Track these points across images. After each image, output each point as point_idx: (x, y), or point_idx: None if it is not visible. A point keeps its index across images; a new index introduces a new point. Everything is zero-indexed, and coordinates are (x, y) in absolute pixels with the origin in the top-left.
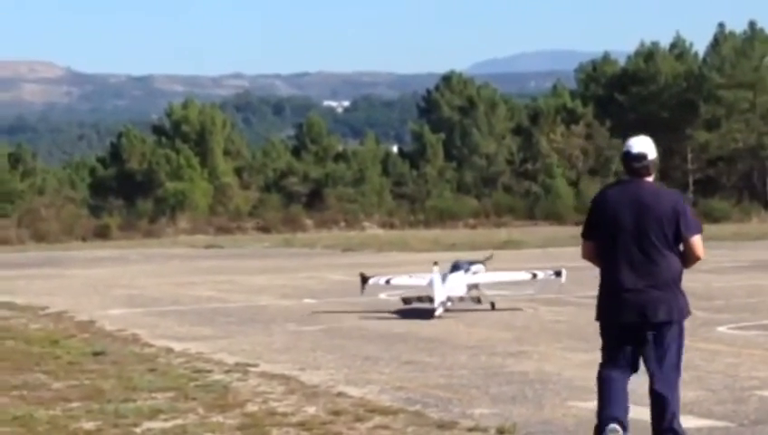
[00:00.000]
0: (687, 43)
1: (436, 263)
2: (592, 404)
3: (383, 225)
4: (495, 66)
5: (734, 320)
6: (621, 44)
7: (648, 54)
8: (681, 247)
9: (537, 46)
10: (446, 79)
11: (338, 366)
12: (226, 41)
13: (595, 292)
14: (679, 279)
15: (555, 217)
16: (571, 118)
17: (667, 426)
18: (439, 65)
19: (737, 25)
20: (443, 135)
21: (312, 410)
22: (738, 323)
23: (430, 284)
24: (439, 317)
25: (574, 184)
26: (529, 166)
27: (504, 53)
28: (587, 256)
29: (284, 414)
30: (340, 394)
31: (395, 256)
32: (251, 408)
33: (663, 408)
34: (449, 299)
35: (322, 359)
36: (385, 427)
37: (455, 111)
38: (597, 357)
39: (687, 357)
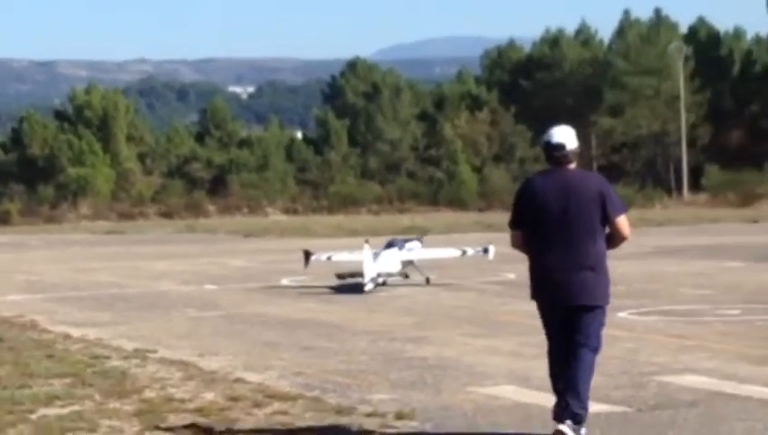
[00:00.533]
0: (593, 30)
1: (367, 241)
2: (491, 390)
3: (286, 211)
4: (401, 52)
5: (634, 305)
6: (527, 31)
7: (553, 41)
8: (607, 230)
9: (443, 32)
10: (351, 65)
11: (237, 352)
12: (132, 26)
13: (493, 278)
14: (604, 263)
15: (459, 204)
16: (475, 104)
17: (578, 396)
18: (345, 51)
19: (642, 12)
20: (347, 121)
21: (210, 396)
22: (638, 308)
23: (368, 260)
24: (369, 292)
25: (478, 170)
26: (433, 152)
27: (409, 38)
28: (516, 244)
29: (182, 400)
30: (238, 380)
31: (297, 242)
32: (148, 394)
33: (576, 387)
34: (379, 275)
35: (222, 345)
36: (283, 413)
37: (359, 97)
38: (496, 343)
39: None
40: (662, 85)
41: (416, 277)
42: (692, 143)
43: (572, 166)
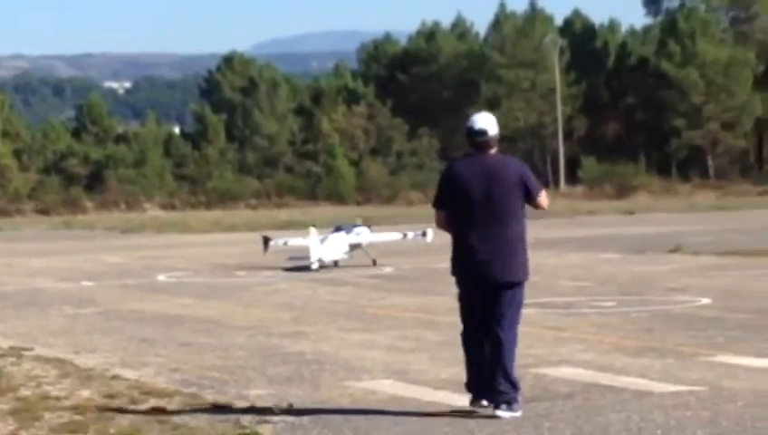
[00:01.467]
0: (468, 23)
1: (314, 225)
2: (368, 384)
3: (164, 206)
4: (278, 46)
5: None
6: (403, 24)
7: (429, 34)
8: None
9: (320, 26)
10: (228, 59)
11: (114, 349)
12: (7, 21)
13: (371, 272)
14: (524, 241)
15: (337, 197)
16: (352, 98)
17: (505, 377)
18: (222, 46)
19: (518, 5)
20: (225, 116)
21: (86, 393)
22: None
23: (315, 244)
24: (316, 270)
25: (356, 164)
26: (311, 146)
27: (286, 32)
28: (440, 224)
29: (58, 398)
30: (115, 377)
31: (175, 238)
32: (24, 392)
33: (504, 368)
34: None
35: (98, 342)
36: (160, 409)
37: (236, 91)
38: (372, 337)
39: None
40: (538, 78)
41: (363, 260)
42: (568, 135)
43: (493, 151)
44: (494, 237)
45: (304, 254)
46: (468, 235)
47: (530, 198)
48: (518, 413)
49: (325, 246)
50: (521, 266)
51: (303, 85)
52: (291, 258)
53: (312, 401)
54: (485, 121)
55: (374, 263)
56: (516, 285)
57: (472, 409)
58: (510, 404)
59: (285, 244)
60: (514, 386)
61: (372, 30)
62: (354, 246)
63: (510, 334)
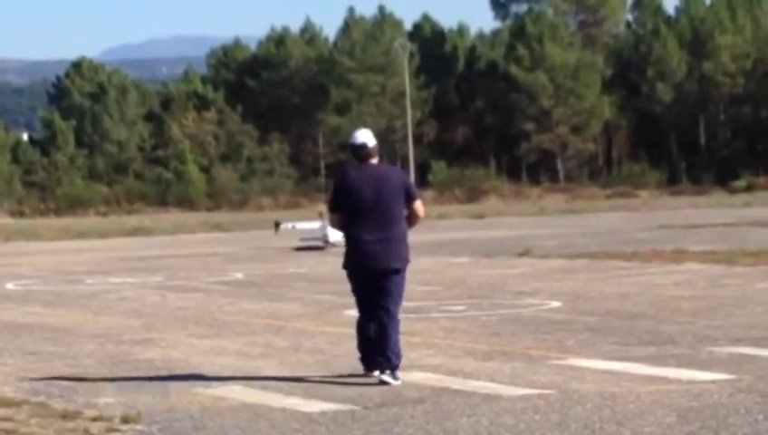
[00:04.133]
0: (318, 28)
1: (321, 213)
2: (218, 390)
3: (13, 214)
4: (127, 52)
5: None
6: (253, 30)
7: (278, 39)
8: (406, 212)
9: (169, 32)
10: (77, 65)
11: None
12: None
13: (220, 278)
14: (406, 236)
15: (187, 203)
16: (202, 103)
17: (391, 349)
18: (70, 51)
19: (367, 10)
20: (74, 122)
21: None
22: None
23: (321, 228)
24: (325, 248)
25: (206, 170)
26: (161, 152)
27: (135, 38)
28: (336, 224)
29: None
30: None
31: (23, 246)
32: None
33: (388, 336)
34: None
35: None
36: (8, 419)
37: (85, 97)
38: (222, 343)
39: (314, 341)
40: (388, 82)
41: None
42: (418, 140)
43: (374, 160)
44: (384, 233)
45: (312, 235)
46: (361, 231)
47: (408, 201)
48: (399, 381)
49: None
50: (405, 256)
51: (153, 91)
52: (301, 239)
53: (161, 408)
54: (364, 136)
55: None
56: (402, 271)
57: (368, 375)
58: (393, 371)
59: (293, 227)
60: (399, 356)
61: (221, 35)
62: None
63: (395, 313)
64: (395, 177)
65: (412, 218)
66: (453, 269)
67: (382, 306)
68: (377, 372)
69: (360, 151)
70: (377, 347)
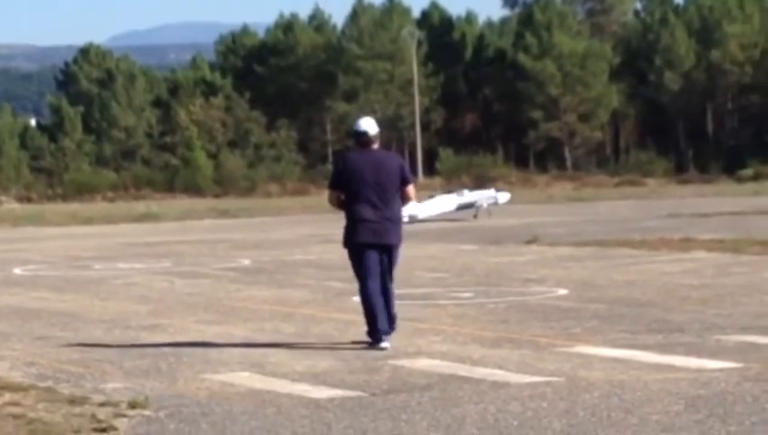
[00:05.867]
0: (326, 15)
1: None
2: (226, 377)
3: (20, 199)
4: (135, 38)
5: None
6: (261, 16)
7: (287, 26)
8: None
9: (177, 18)
10: (84, 51)
11: None
12: None
13: (228, 265)
14: (401, 215)
15: (194, 190)
16: (210, 90)
17: (394, 311)
18: (78, 37)
19: None
20: (82, 108)
21: None
22: None
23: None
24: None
25: (213, 156)
26: (168, 138)
27: (144, 24)
28: (332, 201)
29: None
30: None
31: (31, 231)
32: None
33: (391, 299)
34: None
35: None
36: (15, 404)
37: (93, 83)
38: (230, 329)
39: (322, 327)
40: (396, 70)
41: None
42: (426, 127)
43: (375, 146)
44: (382, 211)
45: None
46: (362, 210)
47: (402, 184)
48: (389, 344)
49: (424, 204)
50: (400, 233)
51: (161, 77)
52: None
53: (169, 394)
54: (367, 124)
55: (474, 216)
56: (398, 246)
57: (370, 343)
58: (388, 337)
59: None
60: (393, 322)
61: (230, 22)
62: (465, 206)
63: (392, 285)
64: (392, 162)
65: (404, 199)
66: (461, 256)
67: (384, 277)
68: (384, 344)
69: (363, 138)
70: (383, 312)
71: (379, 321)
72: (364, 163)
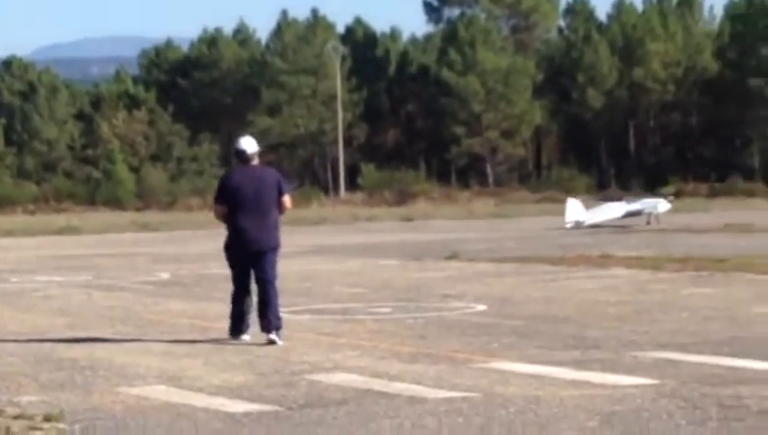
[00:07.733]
0: (251, 30)
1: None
2: (141, 390)
3: None
4: (58, 51)
5: (287, 304)
6: (185, 30)
7: (211, 40)
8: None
9: (100, 32)
10: (7, 64)
11: None
12: None
13: (147, 278)
14: (279, 223)
15: (116, 203)
16: (133, 103)
17: (273, 313)
18: (1, 49)
19: (300, 12)
20: (3, 120)
21: None
22: (291, 307)
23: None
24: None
25: (136, 170)
26: (90, 152)
27: (67, 38)
28: (219, 215)
29: None
30: None
31: None
32: None
33: (271, 301)
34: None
35: None
36: None
37: (15, 95)
38: (147, 343)
39: (238, 342)
40: (319, 85)
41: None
42: (348, 142)
43: (255, 162)
44: (260, 221)
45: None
46: (242, 220)
47: (280, 195)
48: (282, 342)
49: (591, 212)
50: (277, 238)
51: (84, 90)
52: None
53: (84, 407)
54: (246, 144)
55: (647, 223)
56: (276, 249)
57: (238, 340)
58: (278, 332)
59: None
60: (279, 318)
61: (154, 36)
62: (632, 214)
63: (274, 283)
64: (269, 177)
65: (281, 208)
66: (381, 271)
67: (264, 279)
68: (246, 337)
69: (242, 155)
70: (260, 312)
71: (240, 320)
72: (245, 178)
